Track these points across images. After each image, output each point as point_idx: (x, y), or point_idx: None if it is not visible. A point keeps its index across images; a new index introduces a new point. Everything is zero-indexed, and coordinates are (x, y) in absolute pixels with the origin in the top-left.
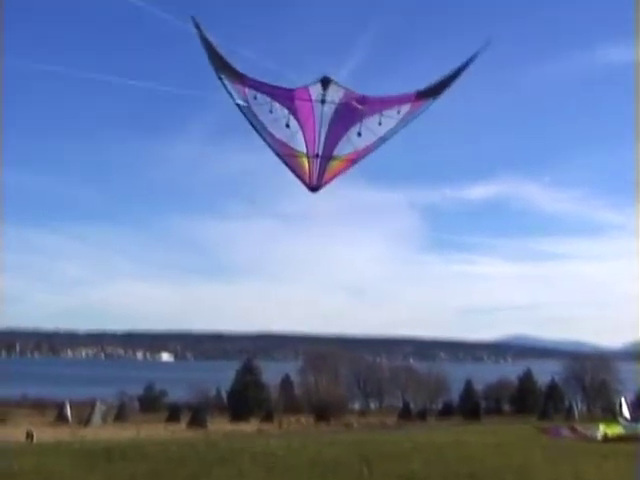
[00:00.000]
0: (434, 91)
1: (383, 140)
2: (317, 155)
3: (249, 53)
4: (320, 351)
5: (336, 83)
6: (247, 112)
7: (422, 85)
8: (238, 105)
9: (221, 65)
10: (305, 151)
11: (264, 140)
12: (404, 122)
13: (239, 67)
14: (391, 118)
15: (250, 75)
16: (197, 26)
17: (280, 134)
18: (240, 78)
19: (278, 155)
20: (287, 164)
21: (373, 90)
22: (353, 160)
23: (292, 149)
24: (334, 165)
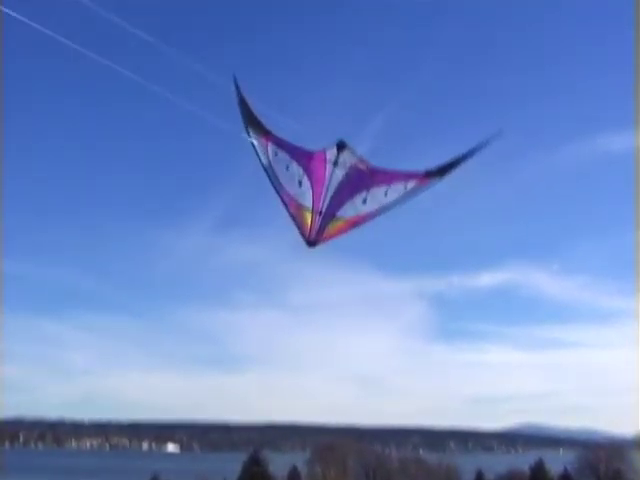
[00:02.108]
0: (441, 172)
1: (386, 209)
2: (321, 212)
3: (274, 113)
4: (328, 442)
5: (350, 149)
6: (268, 170)
7: (430, 166)
8: (261, 163)
9: (250, 120)
10: (310, 207)
11: (277, 193)
12: (409, 196)
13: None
14: (397, 191)
15: (275, 133)
16: (236, 84)
17: (292, 190)
18: (265, 134)
19: (286, 207)
20: (292, 217)
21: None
22: (354, 223)
23: (300, 204)
24: (335, 225)
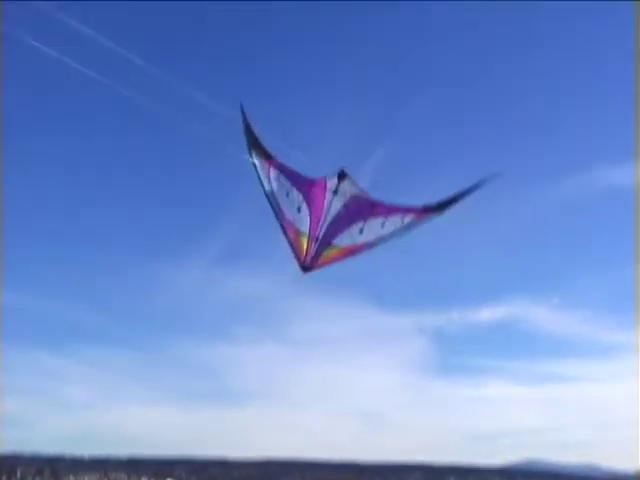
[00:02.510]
0: (439, 208)
1: (383, 240)
2: (317, 239)
3: (276, 140)
4: (328, 478)
5: (351, 179)
6: (269, 194)
7: (430, 200)
8: (262, 186)
9: (255, 144)
10: (307, 233)
11: (276, 217)
12: (406, 229)
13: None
14: (394, 224)
15: (278, 158)
16: (242, 111)
17: (290, 216)
18: (269, 158)
19: (284, 232)
20: (289, 241)
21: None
22: (350, 251)
23: (297, 230)
24: (331, 252)
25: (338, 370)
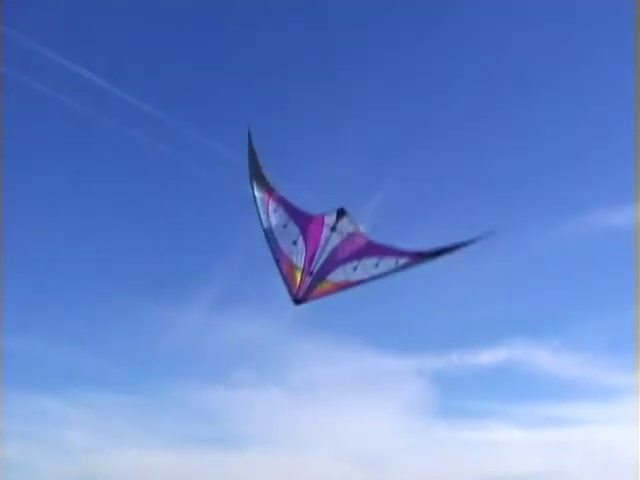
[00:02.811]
0: (433, 255)
1: (375, 279)
2: (311, 273)
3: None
4: None
5: (350, 217)
6: (266, 225)
7: (427, 246)
8: (261, 220)
9: (257, 174)
10: (302, 266)
11: (271, 248)
12: (399, 270)
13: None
14: (388, 265)
15: (278, 191)
16: (249, 135)
17: (286, 249)
18: (269, 190)
19: (277, 264)
20: (282, 273)
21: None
22: (342, 287)
23: (292, 263)
24: (323, 286)
25: (337, 413)
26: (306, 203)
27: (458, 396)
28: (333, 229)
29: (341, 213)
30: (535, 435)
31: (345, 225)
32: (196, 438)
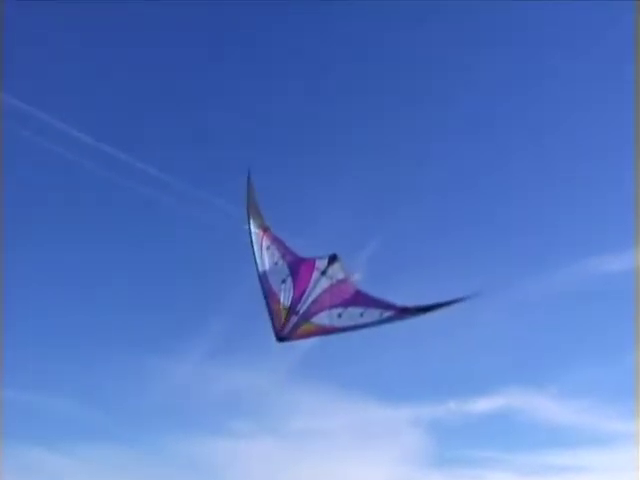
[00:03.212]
0: (418, 311)
1: (358, 328)
2: (297, 312)
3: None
4: None
5: (341, 264)
6: (257, 259)
7: (417, 300)
8: (254, 255)
9: (254, 213)
10: (288, 304)
11: (260, 284)
12: (383, 323)
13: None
14: (372, 316)
15: (274, 231)
16: (249, 177)
17: (275, 285)
18: (264, 228)
19: (265, 300)
20: (269, 309)
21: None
22: (325, 331)
23: (279, 301)
24: (307, 327)
25: (334, 463)
26: (299, 249)
27: (455, 445)
28: (323, 273)
29: (333, 259)
30: None
31: (336, 271)
32: None
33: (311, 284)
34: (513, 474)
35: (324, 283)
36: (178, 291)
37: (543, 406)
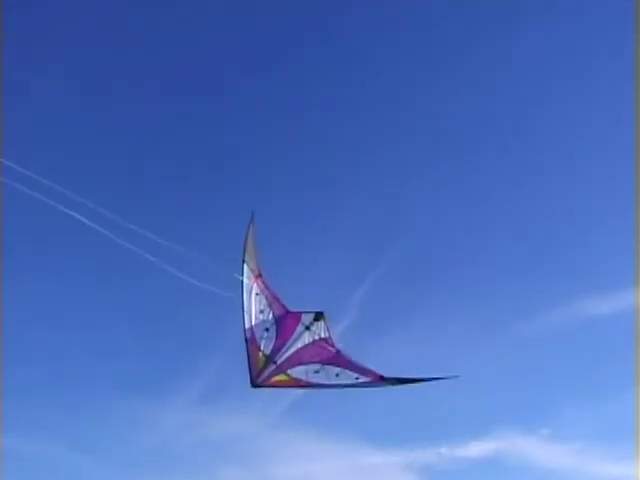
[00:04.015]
0: (395, 382)
1: (332, 387)
2: (275, 362)
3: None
4: None
5: (327, 322)
6: (246, 299)
7: (388, 372)
8: (242, 300)
9: (250, 258)
10: (268, 352)
11: (243, 328)
12: (358, 387)
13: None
14: (349, 378)
15: (266, 279)
16: (252, 219)
17: (257, 332)
18: (257, 275)
19: (246, 344)
20: (248, 355)
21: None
22: (298, 385)
23: (259, 347)
24: (282, 378)
25: None
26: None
27: None
28: (307, 328)
29: (319, 315)
30: None
31: (320, 328)
32: None
33: (294, 336)
34: None
35: (306, 338)
36: (167, 335)
37: (535, 449)
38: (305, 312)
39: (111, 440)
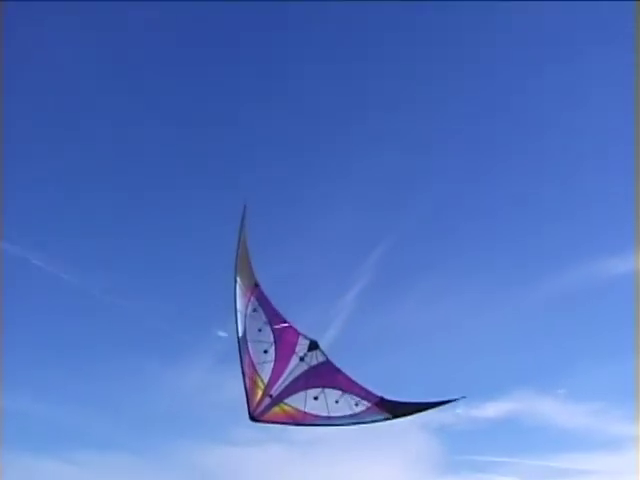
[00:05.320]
0: (394, 410)
1: (329, 422)
2: (271, 396)
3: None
4: None
5: (321, 350)
6: (240, 323)
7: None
8: (235, 314)
9: (243, 267)
10: (266, 382)
11: (239, 350)
12: (354, 421)
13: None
14: (347, 405)
15: (263, 288)
16: (243, 215)
17: (255, 356)
18: (252, 287)
19: (243, 376)
20: (245, 384)
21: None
22: (295, 419)
23: (257, 375)
24: (279, 410)
25: (341, 469)
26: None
27: (464, 450)
28: (302, 359)
29: (313, 346)
30: None
31: (314, 357)
32: None
33: (288, 369)
34: (521, 479)
35: (301, 368)
36: (187, 297)
37: (551, 409)
38: (303, 335)
39: (126, 402)
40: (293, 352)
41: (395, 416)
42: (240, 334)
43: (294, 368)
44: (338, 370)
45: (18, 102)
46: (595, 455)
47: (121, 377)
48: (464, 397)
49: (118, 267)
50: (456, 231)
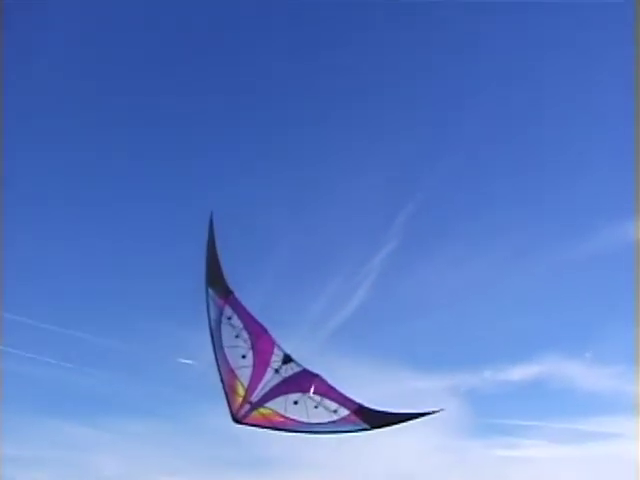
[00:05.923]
0: (372, 420)
1: (309, 429)
2: (251, 403)
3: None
4: None
5: (295, 362)
6: (215, 330)
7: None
8: (209, 323)
9: (214, 277)
10: (246, 386)
11: (215, 358)
12: (332, 429)
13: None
14: (325, 412)
15: (238, 295)
16: (211, 224)
17: (233, 361)
18: (226, 295)
19: (221, 379)
20: (224, 389)
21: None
22: (275, 426)
23: (237, 379)
24: (257, 416)
25: (369, 434)
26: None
27: (491, 414)
28: (277, 371)
29: (287, 360)
30: (570, 450)
31: (289, 369)
32: (220, 461)
33: (265, 379)
34: (549, 441)
35: (278, 379)
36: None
37: (577, 373)
38: (278, 346)
39: (155, 367)
40: (269, 363)
41: (373, 427)
42: (216, 340)
43: (270, 379)
44: (316, 375)
45: None
46: (621, 418)
47: (151, 340)
48: (442, 409)
49: None
50: (485, 190)
